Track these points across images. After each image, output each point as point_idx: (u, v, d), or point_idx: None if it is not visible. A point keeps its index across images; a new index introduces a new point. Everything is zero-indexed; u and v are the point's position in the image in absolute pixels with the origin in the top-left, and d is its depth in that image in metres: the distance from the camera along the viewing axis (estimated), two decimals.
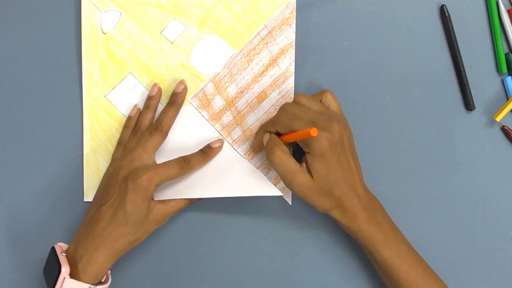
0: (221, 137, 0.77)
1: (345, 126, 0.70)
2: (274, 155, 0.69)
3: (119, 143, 0.76)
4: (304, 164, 0.70)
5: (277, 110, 0.73)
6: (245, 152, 0.77)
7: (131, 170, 0.71)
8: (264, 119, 0.77)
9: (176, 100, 0.75)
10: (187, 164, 0.73)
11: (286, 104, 0.72)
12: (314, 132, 0.65)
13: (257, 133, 0.75)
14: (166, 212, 0.73)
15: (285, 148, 0.70)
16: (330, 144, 0.68)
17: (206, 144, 0.76)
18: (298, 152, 0.72)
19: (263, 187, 0.75)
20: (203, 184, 0.75)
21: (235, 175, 0.75)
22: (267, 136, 0.73)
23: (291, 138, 0.70)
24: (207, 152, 0.75)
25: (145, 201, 0.70)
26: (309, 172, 0.69)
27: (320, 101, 0.73)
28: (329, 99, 0.73)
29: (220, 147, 0.76)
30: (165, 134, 0.75)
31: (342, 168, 0.69)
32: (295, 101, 0.73)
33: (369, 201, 0.71)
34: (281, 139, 0.71)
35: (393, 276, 0.70)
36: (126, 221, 0.70)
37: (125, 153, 0.74)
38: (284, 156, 0.69)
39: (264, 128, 0.74)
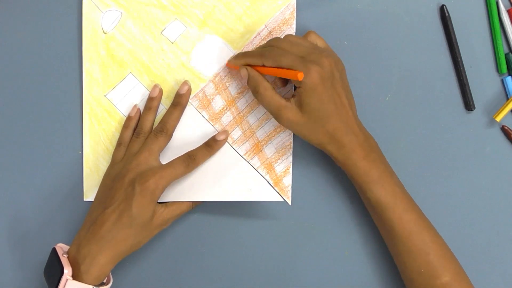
0: (226, 130, 0.76)
1: (336, 61, 0.70)
2: (258, 94, 0.70)
3: (119, 143, 0.76)
4: (293, 99, 0.69)
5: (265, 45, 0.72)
6: (245, 152, 0.76)
7: (138, 173, 0.71)
8: (264, 119, 0.77)
9: (180, 101, 0.75)
10: (193, 160, 0.73)
11: (276, 38, 0.71)
12: (300, 76, 0.65)
13: (238, 57, 0.73)
14: (169, 216, 0.73)
15: (267, 84, 0.70)
16: (321, 78, 0.67)
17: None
18: None
19: (263, 192, 0.76)
20: (204, 186, 0.75)
21: (236, 178, 0.75)
22: (245, 71, 0.71)
23: (275, 73, 0.69)
24: (212, 145, 0.75)
25: (151, 205, 0.70)
26: (299, 107, 0.68)
27: None
28: (314, 38, 0.72)
29: (225, 140, 0.75)
30: (170, 136, 0.75)
31: (334, 103, 0.68)
32: (284, 39, 0.71)
33: (365, 138, 0.70)
34: (263, 70, 0.70)
35: (385, 216, 0.70)
36: (131, 224, 0.70)
37: (129, 156, 0.74)
38: (268, 94, 0.69)
39: (248, 56, 0.72)
